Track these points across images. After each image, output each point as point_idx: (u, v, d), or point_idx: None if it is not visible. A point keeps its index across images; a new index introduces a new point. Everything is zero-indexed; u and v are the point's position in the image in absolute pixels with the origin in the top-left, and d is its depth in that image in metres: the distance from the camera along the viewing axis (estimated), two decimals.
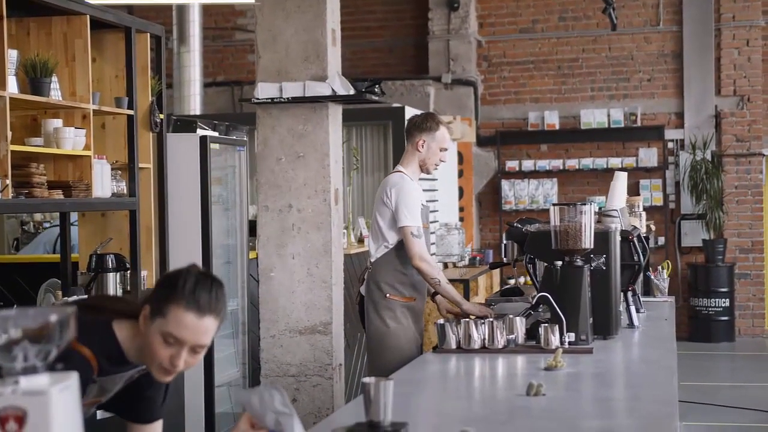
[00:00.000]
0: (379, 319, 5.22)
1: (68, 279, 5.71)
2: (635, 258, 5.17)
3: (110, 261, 5.59)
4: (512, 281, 12.35)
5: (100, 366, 2.68)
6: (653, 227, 10.39)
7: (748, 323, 12.79)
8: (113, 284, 5.60)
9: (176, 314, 2.61)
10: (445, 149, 5.40)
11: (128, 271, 5.72)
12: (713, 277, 12.45)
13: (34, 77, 4.94)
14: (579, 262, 4.52)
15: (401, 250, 5.22)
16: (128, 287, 5.75)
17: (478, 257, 11.15)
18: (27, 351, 1.82)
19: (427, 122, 5.36)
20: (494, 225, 13.25)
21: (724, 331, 12.46)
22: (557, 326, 4.32)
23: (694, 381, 9.90)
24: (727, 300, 12.44)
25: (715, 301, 12.43)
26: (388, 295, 5.23)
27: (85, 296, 4.94)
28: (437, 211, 10.44)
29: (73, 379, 1.87)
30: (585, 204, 4.54)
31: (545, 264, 4.67)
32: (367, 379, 2.80)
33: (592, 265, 4.57)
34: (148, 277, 6.00)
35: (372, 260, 5.31)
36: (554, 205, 4.59)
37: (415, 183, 5.34)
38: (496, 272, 11.66)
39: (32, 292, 6.08)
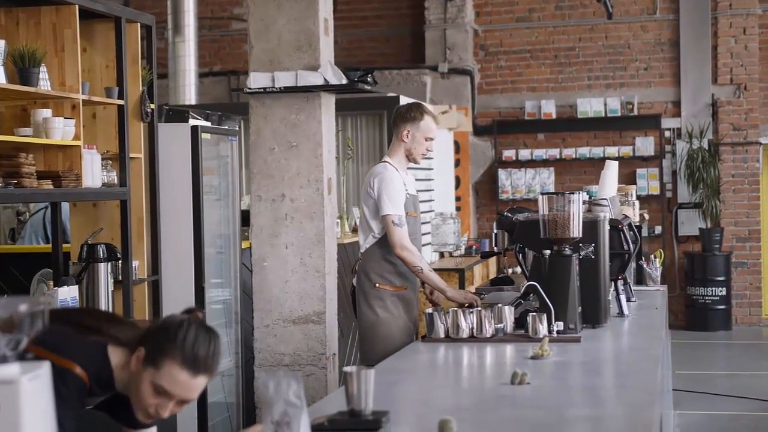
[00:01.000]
0: (369, 309, 5.24)
1: (60, 269, 5.71)
2: (625, 247, 5.17)
3: (101, 251, 5.59)
4: (509, 270, 12.37)
5: (90, 388, 2.67)
6: (647, 216, 10.38)
7: (744, 312, 12.80)
8: (104, 274, 5.60)
9: (171, 369, 2.60)
10: (431, 139, 5.39)
11: (119, 261, 5.72)
12: (710, 266, 12.45)
13: (22, 67, 4.93)
14: (567, 251, 4.52)
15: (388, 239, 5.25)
16: (119, 277, 5.75)
17: (474, 247, 11.15)
18: None
19: (411, 112, 5.36)
20: (491, 214, 13.24)
21: (721, 320, 12.47)
22: (545, 315, 4.32)
23: (691, 370, 9.91)
24: (724, 289, 12.45)
25: (712, 290, 12.43)
26: (377, 284, 5.24)
27: (83, 309, 4.81)
28: (433, 200, 10.44)
29: (44, 368, 1.87)
30: (573, 193, 4.53)
31: (534, 253, 4.67)
32: (348, 369, 2.81)
33: (581, 254, 4.58)
34: (140, 267, 6.00)
35: (361, 251, 5.34)
36: (543, 194, 4.59)
37: (402, 173, 5.33)
38: (492, 262, 11.67)
39: (26, 282, 6.09)
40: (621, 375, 3.68)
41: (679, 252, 12.90)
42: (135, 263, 5.89)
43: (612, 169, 5.64)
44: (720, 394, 8.79)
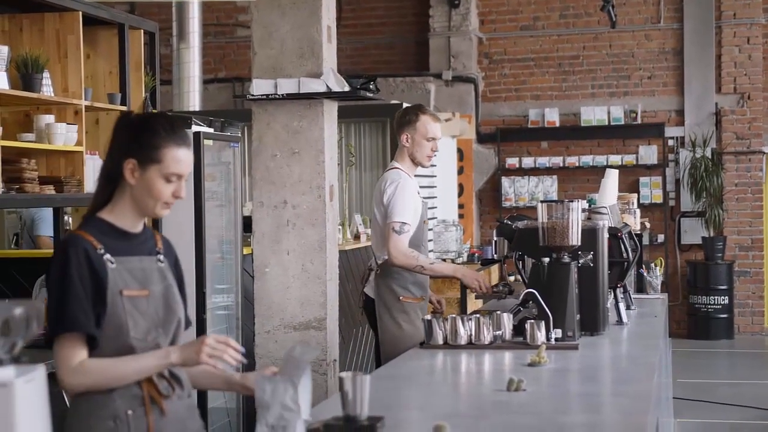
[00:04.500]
0: (394, 322, 5.17)
1: None
2: (624, 255, 5.18)
3: None
4: (512, 278, 12.36)
5: (103, 244, 2.84)
6: (648, 225, 10.39)
7: (747, 321, 12.80)
8: None
9: (171, 155, 2.84)
10: (432, 138, 5.31)
11: None
12: (713, 275, 12.45)
13: (25, 73, 4.97)
14: (566, 259, 4.53)
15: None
16: None
17: (476, 254, 11.15)
18: None
19: (406, 116, 5.33)
20: (494, 222, 13.24)
21: (723, 329, 12.47)
22: (543, 323, 4.33)
23: (693, 378, 9.91)
24: (727, 297, 12.45)
25: (715, 299, 12.43)
26: (401, 297, 5.19)
27: None
28: (436, 207, 10.46)
29: (39, 371, 1.89)
30: (572, 201, 4.55)
31: (533, 261, 4.68)
32: (343, 374, 2.83)
33: (580, 261, 4.59)
34: None
35: (379, 261, 5.24)
36: (542, 202, 4.60)
37: (412, 179, 5.32)
38: (495, 269, 11.67)
39: (29, 287, 6.10)
40: (617, 382, 3.69)
41: (682, 260, 12.90)
42: None
43: (612, 178, 5.66)
44: (721, 403, 8.79)
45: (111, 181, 2.91)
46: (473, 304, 9.11)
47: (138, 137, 2.88)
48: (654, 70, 13.01)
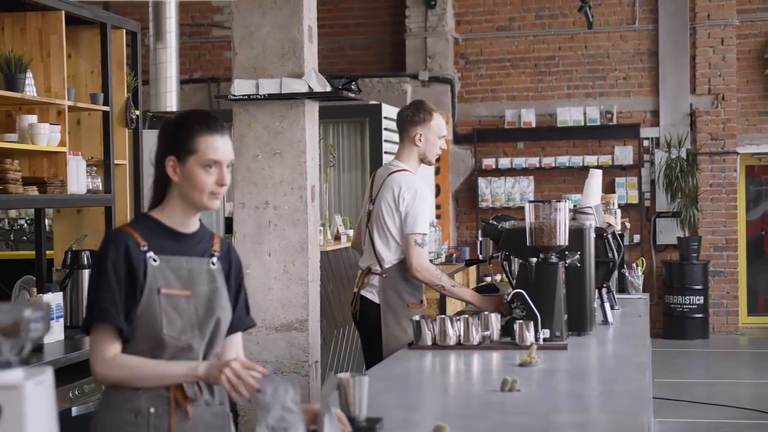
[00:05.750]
0: (400, 328, 5.03)
1: (43, 275, 5.68)
2: (609, 255, 5.19)
3: (86, 258, 5.57)
4: (488, 278, 12.40)
5: (148, 241, 2.89)
6: (628, 225, 10.45)
7: (722, 320, 12.88)
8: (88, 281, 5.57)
9: (206, 143, 2.89)
10: (443, 136, 5.22)
11: None
12: (688, 275, 12.53)
13: (8, 73, 4.92)
14: (554, 259, 4.54)
15: None
16: None
17: (455, 254, 11.18)
18: (1, 345, 1.83)
19: (419, 114, 5.15)
20: (471, 222, 13.28)
21: (699, 328, 12.55)
22: (532, 323, 4.34)
23: (669, 378, 9.96)
24: (702, 297, 12.53)
25: (690, 299, 12.51)
26: (409, 304, 5.09)
27: None
28: None
29: (47, 374, 1.87)
30: (560, 201, 4.56)
31: (520, 261, 4.69)
32: (342, 375, 2.82)
33: (567, 262, 4.59)
34: None
35: (386, 266, 5.09)
36: (530, 202, 4.61)
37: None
38: (473, 269, 11.70)
39: (8, 290, 6.05)
40: (610, 382, 3.70)
41: (657, 261, 12.97)
42: None
43: (596, 178, 5.67)
44: (699, 402, 8.84)
45: (161, 184, 2.96)
46: (453, 305, 9.12)
47: (174, 134, 2.95)
48: (629, 71, 13.08)
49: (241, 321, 3.10)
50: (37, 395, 1.83)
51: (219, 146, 2.92)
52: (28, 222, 9.41)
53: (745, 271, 13.24)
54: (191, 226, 3.01)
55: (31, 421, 1.80)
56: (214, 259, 3.02)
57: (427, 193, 5.14)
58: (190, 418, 2.91)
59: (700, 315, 12.55)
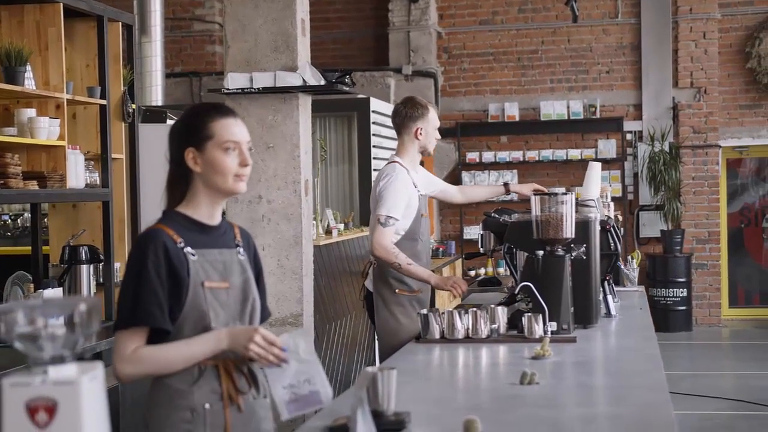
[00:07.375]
0: (391, 315, 5.19)
1: (40, 271, 5.63)
2: (612, 247, 5.20)
3: (83, 253, 5.52)
4: (478, 271, 12.40)
5: (183, 237, 2.87)
6: (620, 217, 10.49)
7: (705, 313, 12.95)
8: (87, 276, 5.53)
9: (221, 126, 2.89)
10: (438, 126, 5.48)
11: (101, 263, 5.66)
12: (671, 268, 12.59)
13: (8, 66, 4.87)
14: (560, 252, 4.53)
15: (406, 242, 5.18)
16: (101, 279, 5.68)
17: (440, 249, 11.18)
18: (55, 340, 1.80)
19: (417, 110, 5.35)
20: (455, 217, 13.28)
21: (682, 321, 12.62)
22: (540, 315, 4.33)
23: None
24: (685, 290, 12.59)
25: (673, 291, 12.57)
26: (397, 290, 5.20)
27: None
28: None
29: (99, 369, 1.85)
30: (566, 194, 4.55)
31: (526, 254, 4.68)
32: (371, 369, 2.80)
33: (573, 254, 4.59)
34: (122, 269, 5.93)
35: (377, 255, 5.19)
36: (535, 194, 4.60)
37: (413, 172, 5.30)
38: (458, 263, 11.70)
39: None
40: (627, 375, 3.69)
41: (641, 253, 13.01)
42: (117, 265, 5.83)
43: (596, 170, 5.68)
44: (684, 394, 8.88)
45: (183, 180, 2.93)
46: (441, 297, 9.11)
47: (188, 126, 2.95)
48: (612, 65, 13.11)
49: (265, 309, 3.09)
50: (92, 390, 1.81)
51: (233, 127, 2.92)
52: (12, 218, 9.32)
53: (726, 264, 13.32)
54: (216, 217, 3.00)
55: (87, 416, 1.78)
56: (241, 249, 3.02)
57: (403, 178, 5.21)
58: (243, 411, 2.89)
59: (684, 308, 12.61)
